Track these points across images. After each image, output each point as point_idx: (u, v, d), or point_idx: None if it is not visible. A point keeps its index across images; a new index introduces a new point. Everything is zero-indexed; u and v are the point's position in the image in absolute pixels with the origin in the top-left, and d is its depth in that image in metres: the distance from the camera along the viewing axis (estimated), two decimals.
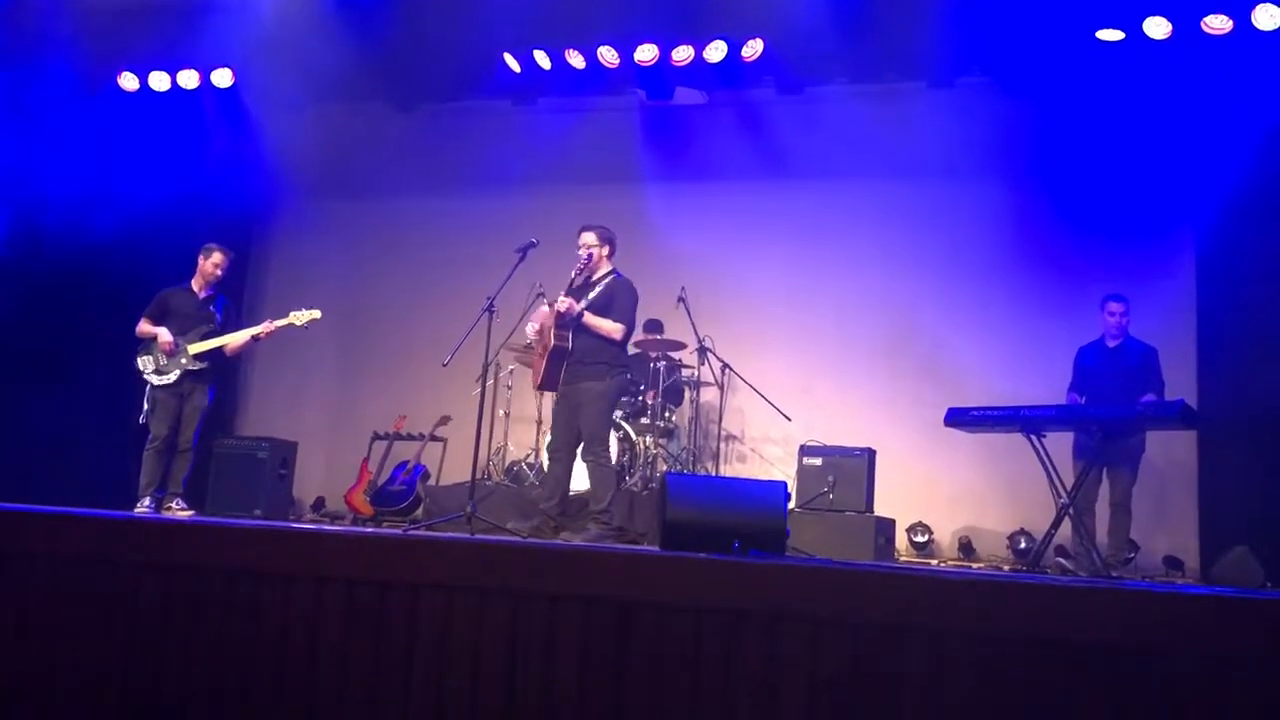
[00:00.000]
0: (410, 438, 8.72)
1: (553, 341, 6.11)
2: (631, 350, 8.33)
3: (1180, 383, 7.10)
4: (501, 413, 8.42)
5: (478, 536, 4.85)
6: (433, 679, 3.21)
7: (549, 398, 6.88)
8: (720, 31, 8.37)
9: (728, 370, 8.13)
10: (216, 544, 3.63)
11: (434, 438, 8.61)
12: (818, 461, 7.27)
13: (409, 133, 9.80)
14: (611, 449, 7.47)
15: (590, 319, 6.12)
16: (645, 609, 3.05)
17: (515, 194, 9.16)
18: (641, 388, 8.03)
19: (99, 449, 8.32)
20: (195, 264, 7.04)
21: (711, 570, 3.09)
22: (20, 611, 3.67)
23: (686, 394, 8.48)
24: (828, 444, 7.46)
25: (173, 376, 6.75)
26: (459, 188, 9.65)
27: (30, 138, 8.44)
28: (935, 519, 8.17)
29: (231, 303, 7.31)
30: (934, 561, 7.86)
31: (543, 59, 8.77)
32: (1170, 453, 7.53)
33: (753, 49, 8.36)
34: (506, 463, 8.35)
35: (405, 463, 8.51)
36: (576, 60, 8.72)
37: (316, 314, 7.11)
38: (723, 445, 8.63)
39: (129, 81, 9.15)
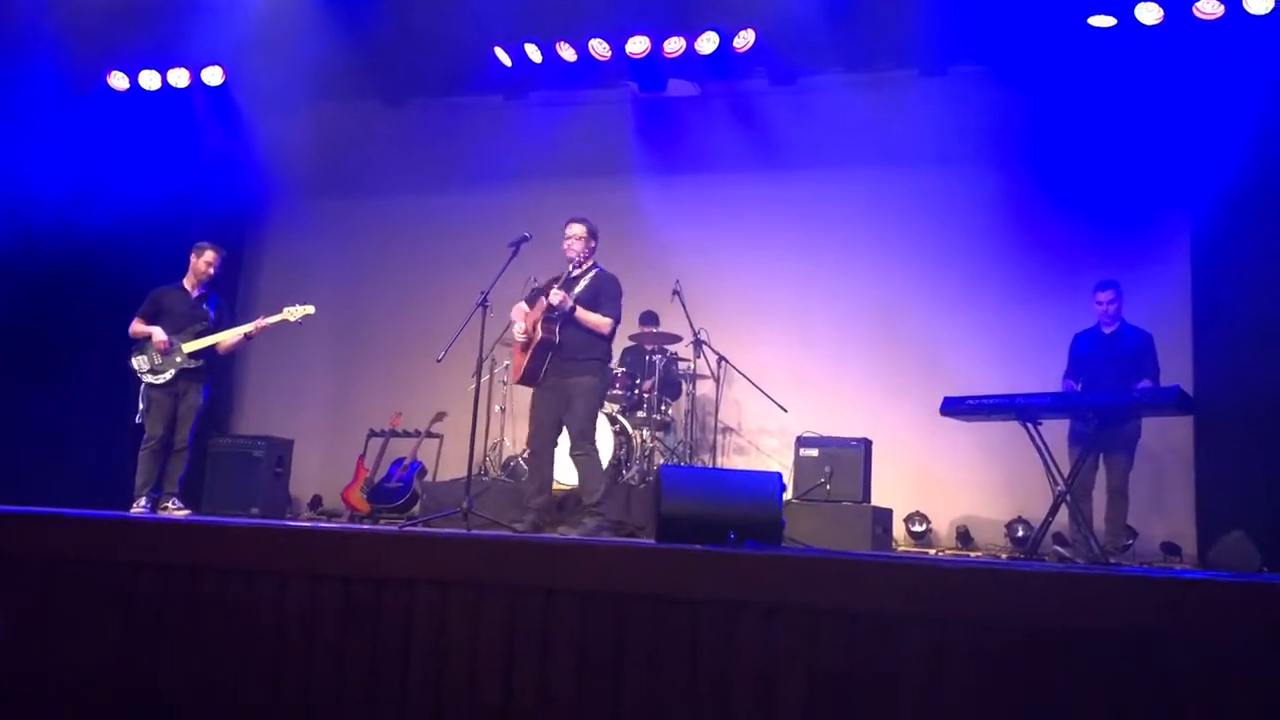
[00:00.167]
0: (406, 434, 8.72)
1: (540, 334, 6.07)
2: (627, 343, 8.36)
3: (1176, 368, 7.10)
4: (497, 408, 8.41)
5: (474, 532, 4.84)
6: (430, 675, 3.21)
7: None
8: (712, 22, 8.36)
9: (724, 362, 8.12)
10: (212, 543, 3.62)
11: (430, 434, 8.61)
12: (814, 452, 7.27)
13: (401, 129, 9.78)
14: (609, 442, 7.49)
15: (583, 313, 6.09)
16: (641, 602, 3.05)
17: (508, 188, 9.14)
18: (638, 381, 8.02)
19: (94, 449, 8.30)
20: (188, 263, 7.01)
21: (707, 562, 3.08)
22: (17, 612, 3.66)
23: (683, 387, 8.47)
24: (824, 435, 7.45)
25: (168, 376, 6.73)
26: (451, 183, 9.63)
27: (21, 138, 8.41)
28: (933, 508, 8.17)
29: (224, 301, 7.29)
30: (932, 551, 7.86)
31: (534, 52, 8.75)
32: (1167, 439, 7.54)
33: (744, 40, 8.35)
34: (503, 458, 8.35)
35: (401, 459, 8.51)
36: (568, 53, 8.70)
37: (310, 309, 7.09)
38: (720, 437, 8.62)
39: (119, 80, 9.13)
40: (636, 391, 7.98)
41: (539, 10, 8.27)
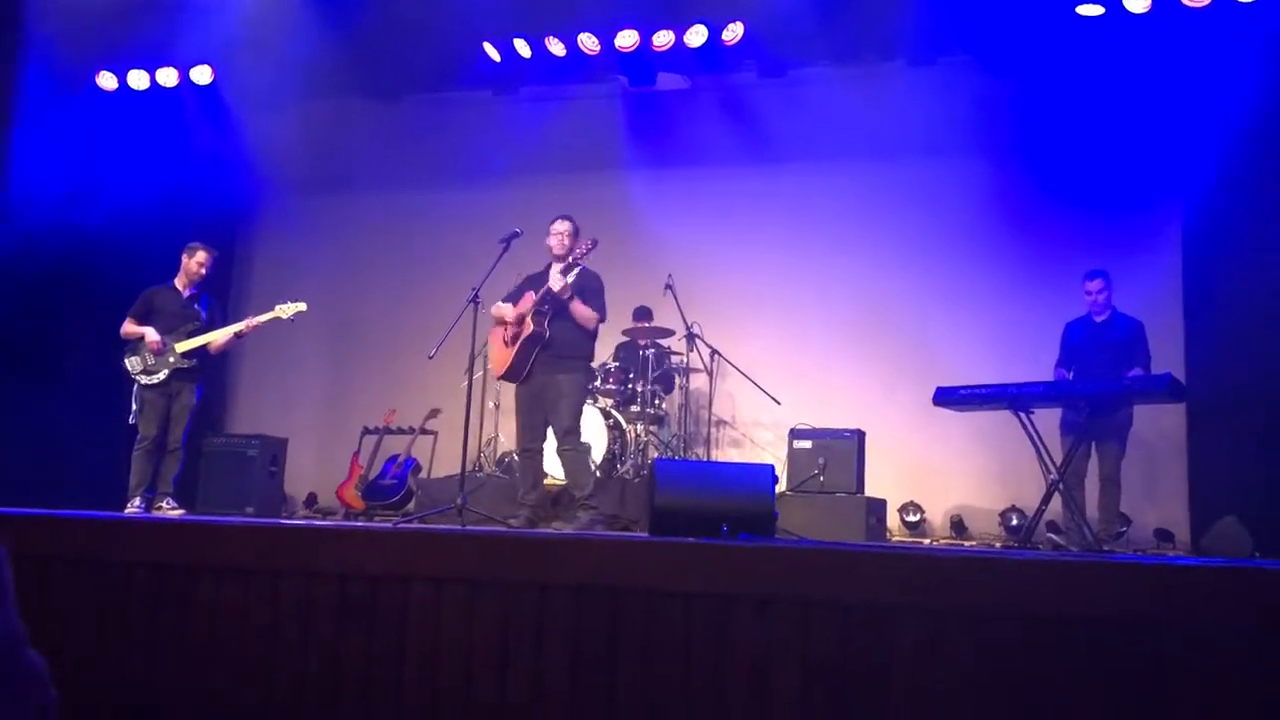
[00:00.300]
0: (400, 431, 8.71)
1: (529, 328, 6.07)
2: (621, 338, 8.37)
3: (1168, 356, 7.12)
4: (491, 404, 8.41)
5: (468, 528, 4.85)
6: (425, 671, 3.22)
7: None
8: (700, 16, 8.36)
9: (717, 356, 8.12)
10: (206, 542, 3.62)
11: (424, 431, 8.60)
12: (808, 444, 7.29)
13: (390, 125, 9.76)
14: (602, 437, 7.51)
15: (577, 304, 6.11)
16: (635, 595, 3.06)
17: (498, 184, 9.14)
18: (631, 375, 8.03)
19: (88, 450, 8.29)
20: (179, 263, 7.01)
21: (700, 555, 3.09)
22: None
23: (676, 381, 8.47)
24: (817, 427, 7.47)
25: (161, 376, 6.73)
26: (442, 179, 9.63)
27: (9, 138, 8.38)
28: (927, 498, 8.19)
29: (216, 300, 7.28)
30: (926, 541, 7.88)
31: (523, 47, 8.74)
32: (1160, 426, 7.56)
33: (733, 33, 8.35)
34: (498, 454, 8.35)
35: (396, 456, 8.51)
36: (557, 48, 8.70)
37: (302, 306, 7.09)
38: (713, 431, 8.63)
39: (107, 80, 9.11)
40: (630, 386, 7.99)
41: (527, 5, 8.26)
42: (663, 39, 8.47)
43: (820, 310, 8.72)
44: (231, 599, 3.47)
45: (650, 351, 8.11)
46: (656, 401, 8.10)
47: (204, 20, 8.30)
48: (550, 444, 6.28)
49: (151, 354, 6.71)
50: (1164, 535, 7.51)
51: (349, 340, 9.75)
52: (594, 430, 7.47)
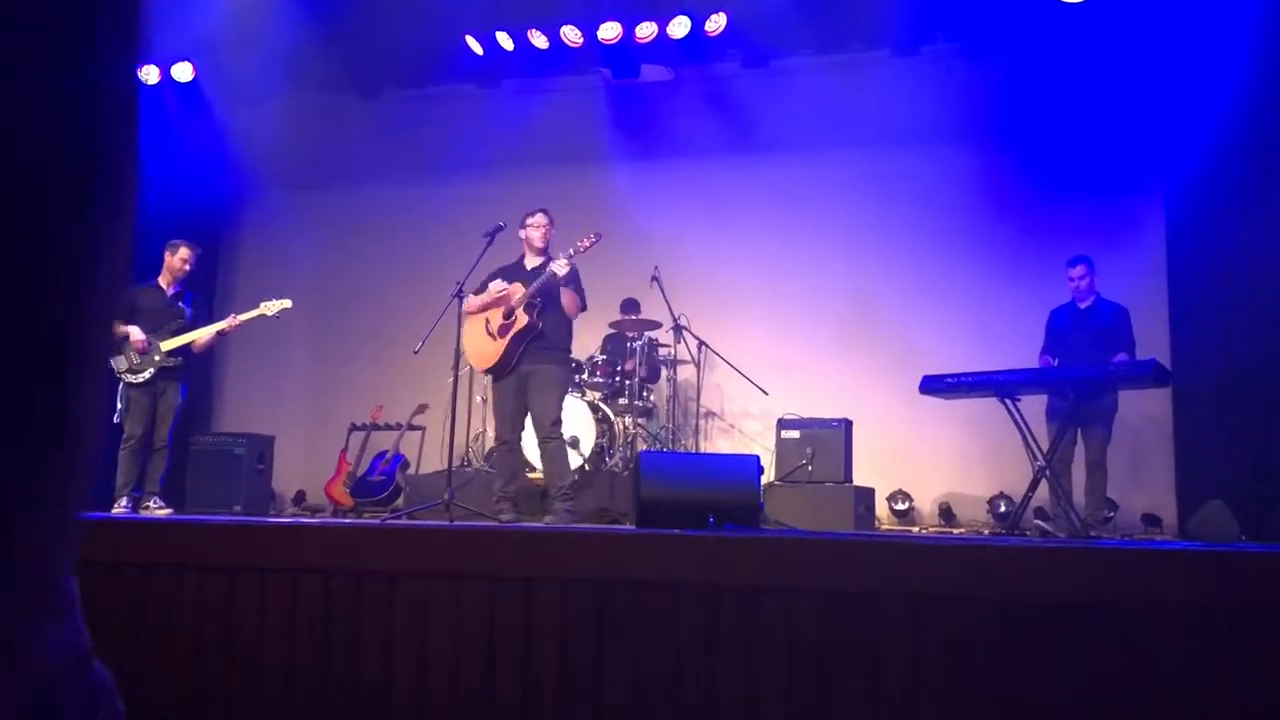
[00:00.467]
0: (388, 427, 8.69)
1: (525, 320, 6.06)
2: (608, 330, 8.36)
3: (1153, 341, 7.14)
4: (479, 399, 8.40)
5: (455, 524, 4.84)
6: (413, 667, 3.21)
7: None
8: (683, 7, 8.36)
9: (704, 347, 8.12)
10: (193, 541, 3.61)
11: (412, 426, 8.59)
12: (796, 434, 7.28)
13: (373, 119, 9.74)
14: (591, 430, 7.51)
15: (567, 293, 6.12)
16: (622, 587, 3.06)
17: (482, 177, 9.12)
18: (619, 368, 8.02)
19: None
20: (162, 261, 6.98)
21: (687, 546, 3.09)
22: None
23: (664, 372, 8.47)
24: (805, 416, 7.47)
25: (146, 375, 6.70)
26: (426, 173, 9.60)
27: None
28: (915, 486, 8.22)
29: (200, 298, 7.25)
30: (915, 528, 7.90)
31: (505, 40, 8.72)
32: (1146, 410, 7.59)
33: (716, 23, 8.34)
34: (485, 449, 8.33)
35: (384, 452, 8.49)
36: (539, 40, 8.68)
37: (287, 303, 7.07)
38: (702, 422, 8.64)
39: None
40: (618, 378, 7.98)
41: None
42: (645, 30, 8.46)
43: (807, 300, 8.73)
44: (219, 598, 3.46)
45: (638, 343, 8.11)
46: (644, 393, 8.10)
47: (184, 17, 8.25)
48: (530, 436, 6.28)
49: (136, 353, 6.68)
50: (1151, 520, 7.55)
51: (335, 336, 9.73)
52: (582, 423, 7.47)
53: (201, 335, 6.86)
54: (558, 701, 3.06)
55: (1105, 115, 8.06)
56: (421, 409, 8.54)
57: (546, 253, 6.25)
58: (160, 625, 3.51)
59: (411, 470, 8.41)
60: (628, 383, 7.96)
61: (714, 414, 8.91)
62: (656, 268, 8.00)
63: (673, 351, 8.29)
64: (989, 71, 8.38)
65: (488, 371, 6.31)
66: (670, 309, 7.94)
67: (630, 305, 8.34)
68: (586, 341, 8.10)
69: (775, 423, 7.53)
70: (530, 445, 6.35)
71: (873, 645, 2.86)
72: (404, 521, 5.34)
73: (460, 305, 5.94)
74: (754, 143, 9.01)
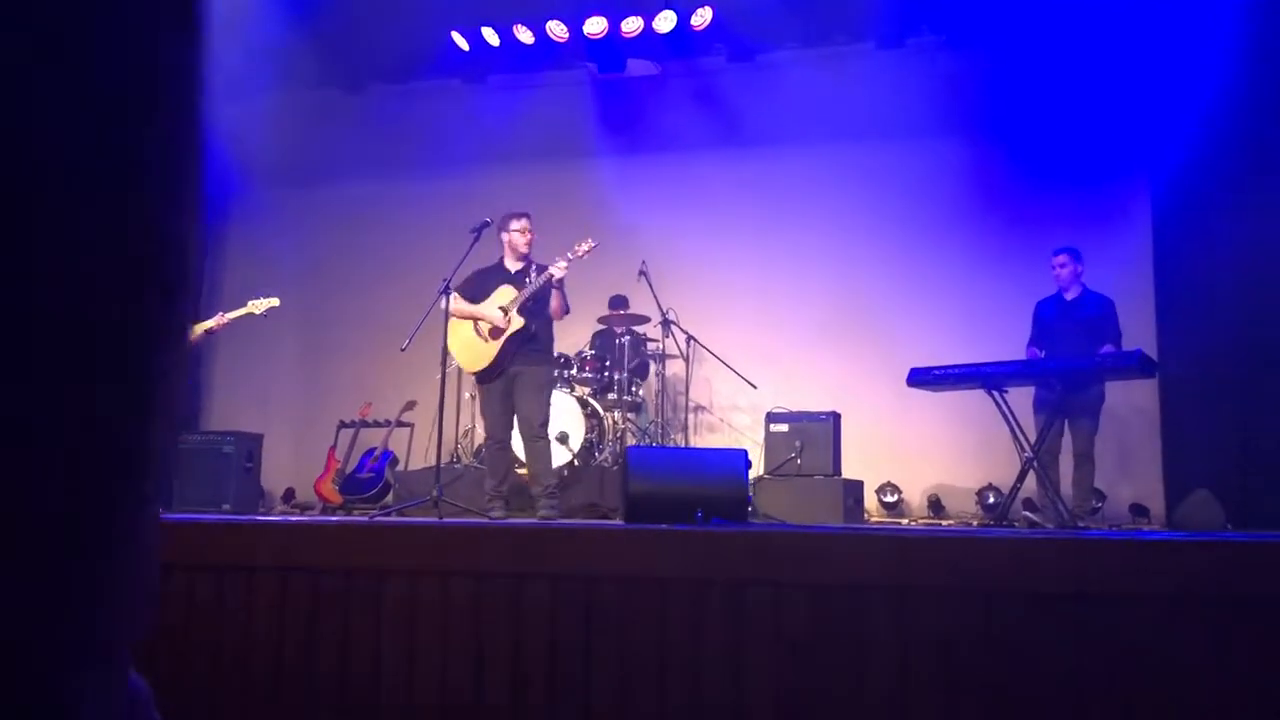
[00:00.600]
0: (377, 424, 8.67)
1: (520, 323, 6.08)
2: (597, 326, 8.36)
3: (1140, 331, 7.18)
4: (467, 395, 8.39)
5: (444, 520, 4.84)
6: (401, 663, 3.21)
7: None
8: (669, 1, 8.34)
9: (692, 341, 8.12)
10: (181, 540, 3.60)
11: (400, 423, 8.57)
12: (784, 428, 7.30)
13: (358, 115, 9.70)
14: (580, 425, 7.50)
15: (558, 297, 6.17)
16: (610, 583, 3.06)
17: (468, 173, 9.10)
18: (607, 363, 8.02)
19: None
20: None
21: (674, 541, 3.09)
22: None
23: (652, 367, 8.47)
24: (794, 410, 7.49)
25: None
26: (412, 169, 9.58)
27: None
28: (904, 479, 8.24)
29: None
30: (904, 520, 7.93)
31: (491, 36, 8.71)
32: (1133, 401, 7.62)
33: (701, 18, 8.34)
34: (474, 445, 8.33)
35: (373, 449, 8.47)
36: (525, 36, 8.67)
37: (275, 301, 7.06)
38: (691, 416, 8.65)
39: None
40: (607, 374, 7.98)
41: None
42: (631, 25, 8.46)
43: (794, 293, 8.74)
44: (207, 597, 3.45)
45: (626, 338, 8.11)
46: (633, 389, 8.10)
47: None
48: (517, 433, 6.30)
49: None
50: (1139, 510, 7.58)
51: (322, 333, 9.70)
52: (571, 418, 7.47)
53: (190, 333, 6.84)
54: (546, 697, 3.06)
55: (1091, 107, 8.08)
56: (410, 406, 8.53)
57: (528, 258, 6.27)
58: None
59: (401, 467, 8.39)
60: (616, 378, 7.96)
61: (703, 408, 8.92)
62: (644, 262, 8.00)
63: (661, 346, 8.29)
64: (974, 64, 8.39)
65: (478, 374, 6.29)
66: (658, 304, 7.94)
67: (618, 300, 8.34)
68: (575, 337, 8.10)
69: (764, 416, 7.54)
70: (518, 443, 6.36)
71: (860, 637, 2.86)
72: (393, 519, 5.34)
73: (447, 301, 5.93)
74: (740, 136, 9.02)
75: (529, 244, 6.28)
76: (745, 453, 4.15)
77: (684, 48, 8.72)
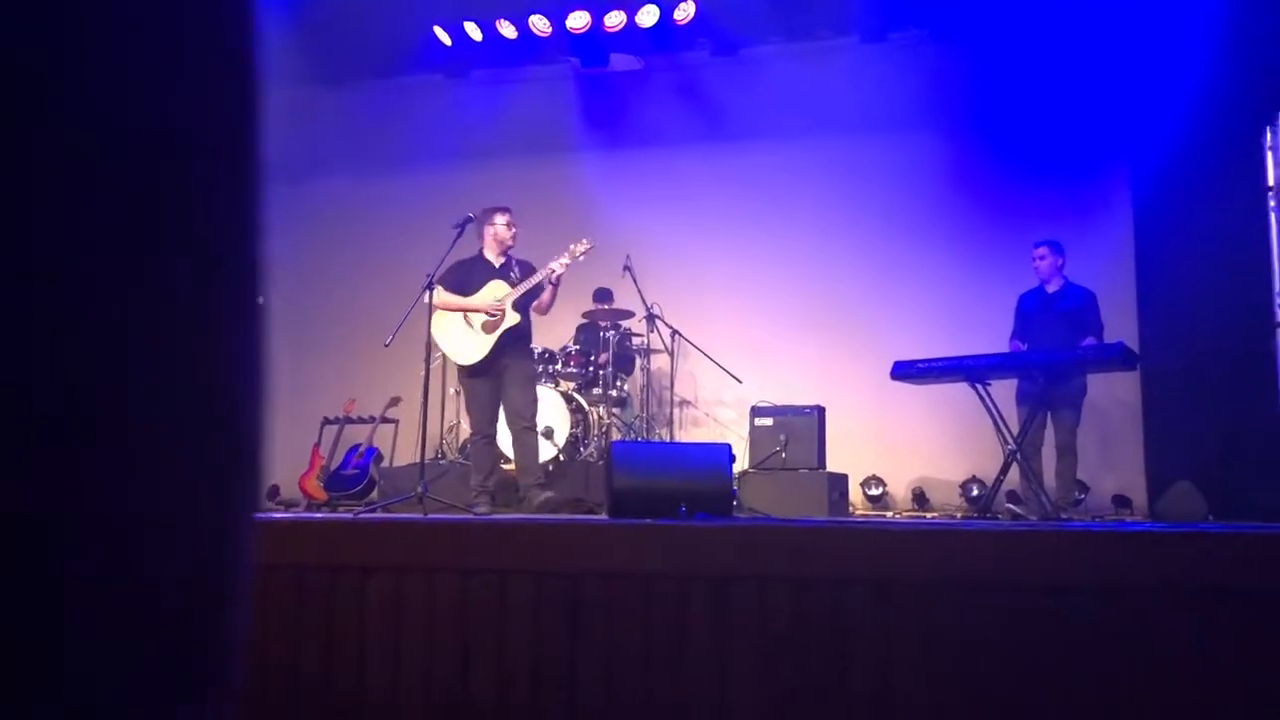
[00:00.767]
0: (361, 420, 8.64)
1: (516, 318, 6.11)
2: (581, 320, 8.35)
3: (1122, 323, 7.20)
4: (452, 390, 8.36)
5: (429, 516, 4.83)
6: (385, 660, 3.20)
7: None
8: None
9: (677, 336, 8.12)
10: None
11: (385, 419, 8.54)
12: (769, 422, 7.30)
13: (341, 111, 9.65)
14: (565, 420, 7.50)
15: (551, 291, 6.20)
16: (594, 578, 3.06)
17: (451, 168, 9.08)
18: (592, 358, 8.01)
19: None
20: None
21: (658, 536, 3.09)
22: None
23: (637, 362, 8.47)
24: (778, 404, 7.49)
25: None
26: (394, 164, 9.54)
27: None
28: (889, 471, 8.26)
29: None
30: (889, 513, 7.95)
31: (474, 30, 8.68)
32: (1115, 393, 7.66)
33: (685, 12, 8.34)
34: (459, 441, 8.31)
35: (357, 446, 8.43)
36: (508, 30, 8.65)
37: (259, 298, 7.02)
38: (676, 411, 8.65)
39: None
40: (591, 369, 7.97)
41: None
42: (614, 19, 8.45)
43: (778, 287, 8.75)
44: None
45: (611, 333, 8.10)
46: (618, 383, 8.09)
47: None
48: (502, 426, 6.32)
49: None
50: (1122, 501, 7.62)
51: (306, 329, 9.65)
52: (556, 413, 7.46)
53: None
54: (531, 693, 3.06)
55: (1072, 100, 8.11)
56: (394, 402, 8.50)
57: (509, 253, 6.29)
58: None
59: (385, 463, 8.37)
60: (601, 373, 7.95)
61: (688, 403, 8.92)
62: (628, 257, 7.99)
63: (646, 341, 8.28)
64: (957, 58, 8.41)
65: (470, 367, 6.27)
66: (643, 298, 7.93)
67: (603, 294, 8.33)
68: (559, 332, 8.09)
69: (749, 410, 7.55)
70: (504, 438, 6.37)
71: (845, 631, 2.87)
72: (377, 515, 5.32)
73: (430, 296, 5.91)
74: (724, 131, 9.01)
75: (514, 237, 6.29)
76: (730, 447, 4.15)
77: (667, 42, 8.72)
